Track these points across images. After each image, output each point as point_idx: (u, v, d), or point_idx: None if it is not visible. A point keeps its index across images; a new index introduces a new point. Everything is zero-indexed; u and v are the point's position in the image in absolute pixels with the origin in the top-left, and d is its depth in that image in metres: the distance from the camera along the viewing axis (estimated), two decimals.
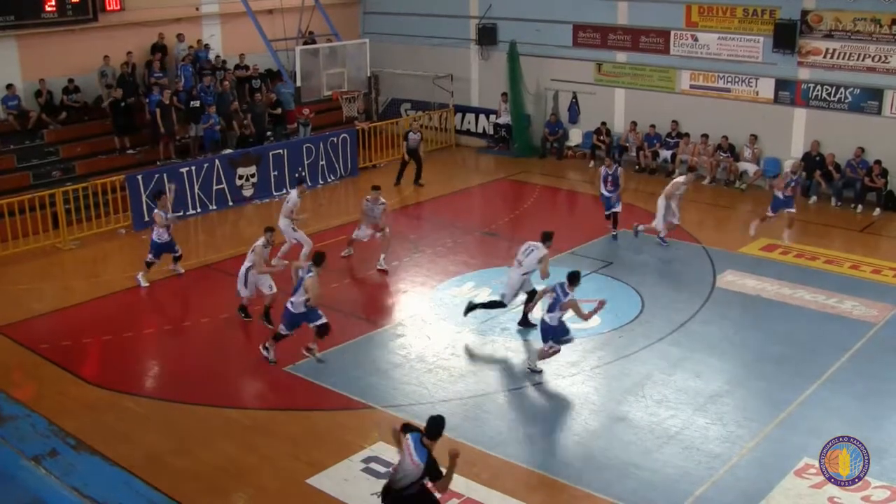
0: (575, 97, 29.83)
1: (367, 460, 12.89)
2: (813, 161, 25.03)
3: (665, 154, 27.72)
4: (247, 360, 16.04)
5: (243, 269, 17.01)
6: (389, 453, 12.94)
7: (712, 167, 26.79)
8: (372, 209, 20.06)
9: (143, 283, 19.06)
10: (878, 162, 24.04)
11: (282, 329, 15.53)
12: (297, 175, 23.90)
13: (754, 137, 26.23)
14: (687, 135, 27.38)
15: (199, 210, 23.84)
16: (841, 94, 24.92)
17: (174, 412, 14.37)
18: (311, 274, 14.95)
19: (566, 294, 14.95)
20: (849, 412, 14.13)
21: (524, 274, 16.69)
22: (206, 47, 29.07)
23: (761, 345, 16.47)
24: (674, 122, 27.65)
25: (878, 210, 24.00)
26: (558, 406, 14.69)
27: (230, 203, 24.57)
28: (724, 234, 22.41)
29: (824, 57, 25.08)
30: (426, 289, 18.97)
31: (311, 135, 28.09)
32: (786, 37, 25.32)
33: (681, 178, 21.56)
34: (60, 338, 16.83)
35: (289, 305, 15.33)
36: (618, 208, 21.71)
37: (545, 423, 14.04)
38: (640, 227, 21.47)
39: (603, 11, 28.68)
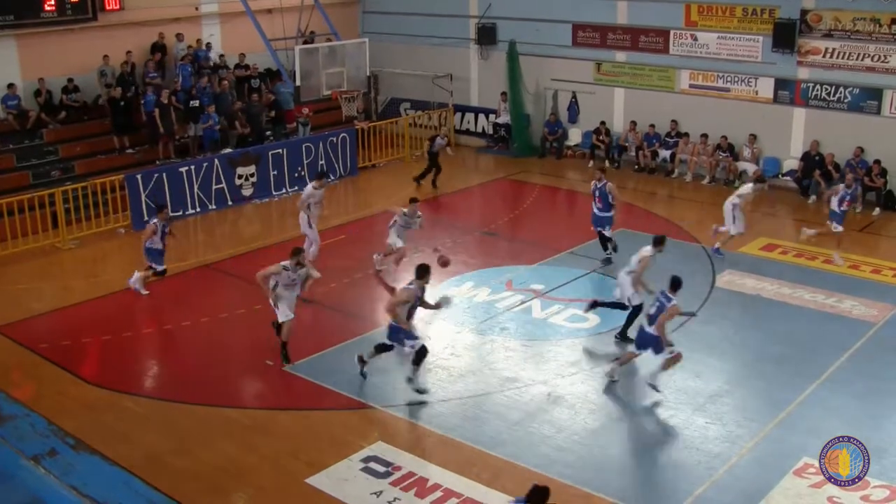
0: (574, 97, 29.84)
1: (366, 460, 12.89)
2: (812, 161, 25.05)
3: (664, 154, 27.73)
4: (246, 359, 16.05)
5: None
6: (389, 453, 12.99)
7: (712, 167, 26.79)
8: (410, 223, 19.40)
9: (143, 291, 18.78)
10: (877, 161, 24.05)
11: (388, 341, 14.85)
12: (318, 170, 23.70)
13: (753, 137, 26.22)
14: (686, 134, 27.38)
15: (198, 210, 23.83)
16: (840, 93, 24.93)
17: (174, 412, 14.37)
18: (412, 286, 14.48)
19: (669, 300, 14.27)
20: (848, 412, 14.13)
21: (629, 272, 16.33)
22: (208, 46, 29.07)
23: (761, 344, 16.47)
24: (673, 121, 27.66)
25: (877, 210, 24.01)
26: (557, 406, 14.62)
27: (229, 203, 24.57)
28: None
29: (824, 56, 25.09)
30: (427, 287, 18.91)
31: (310, 134, 28.09)
32: (785, 36, 25.32)
33: (748, 186, 20.98)
34: (60, 337, 16.83)
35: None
36: (606, 231, 20.11)
37: (544, 422, 14.02)
38: (718, 246, 20.64)
39: (602, 11, 28.68)
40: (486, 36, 30.80)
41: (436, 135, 26.85)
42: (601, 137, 28.76)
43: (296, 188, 25.72)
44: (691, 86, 27.44)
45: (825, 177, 24.76)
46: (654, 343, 14.41)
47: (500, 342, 16.65)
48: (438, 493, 12.09)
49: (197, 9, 29.10)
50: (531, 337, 16.82)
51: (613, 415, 14.22)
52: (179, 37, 28.26)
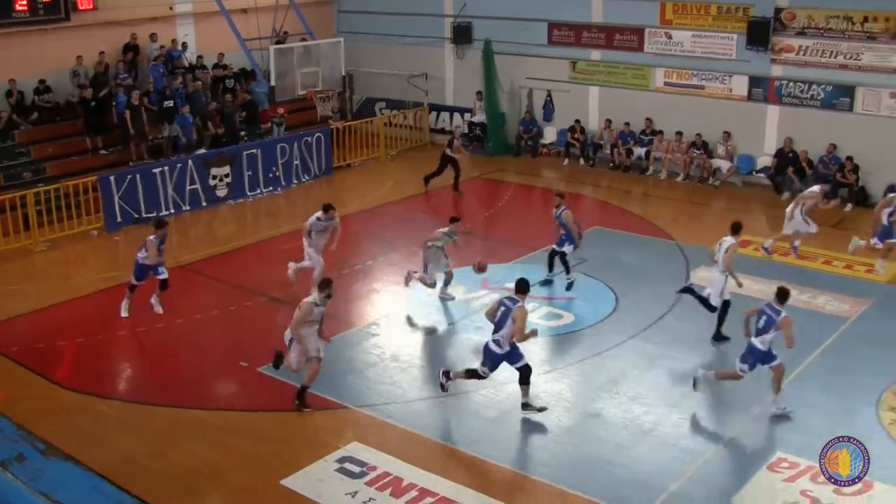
0: (549, 95, 29.87)
1: (341, 460, 12.85)
2: (786, 158, 25.17)
3: (639, 151, 27.81)
4: (221, 361, 15.98)
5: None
6: (364, 453, 12.96)
7: (686, 164, 26.90)
8: (450, 239, 18.46)
9: (123, 313, 17.87)
10: (849, 158, 24.19)
11: (483, 371, 14.14)
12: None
13: (728, 134, 26.33)
14: (661, 132, 27.47)
15: (172, 211, 23.67)
16: (813, 91, 25.06)
17: (148, 415, 14.29)
18: (520, 304, 13.64)
19: (778, 312, 13.70)
20: (821, 406, 14.21)
21: (722, 272, 16.36)
22: (184, 46, 28.94)
23: (735, 340, 16.47)
24: (648, 119, 27.74)
25: (849, 206, 24.15)
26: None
27: (204, 203, 24.45)
28: (698, 230, 22.40)
29: (797, 54, 25.21)
30: (401, 287, 18.90)
31: (285, 134, 28.00)
32: (759, 34, 25.44)
33: (815, 189, 20.77)
34: (33, 340, 16.69)
35: (492, 345, 13.92)
36: (567, 249, 18.80)
37: (519, 421, 14.02)
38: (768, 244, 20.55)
39: (578, 9, 28.73)
40: (462, 35, 30.80)
41: (452, 137, 26.53)
42: (576, 136, 28.81)
43: (270, 188, 25.70)
44: (666, 84, 27.52)
45: (799, 174, 24.89)
46: (763, 357, 13.86)
47: (475, 341, 16.60)
48: (414, 493, 12.07)
49: (171, 8, 28.94)
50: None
51: (588, 412, 14.22)
52: (153, 37, 28.09)
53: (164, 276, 17.68)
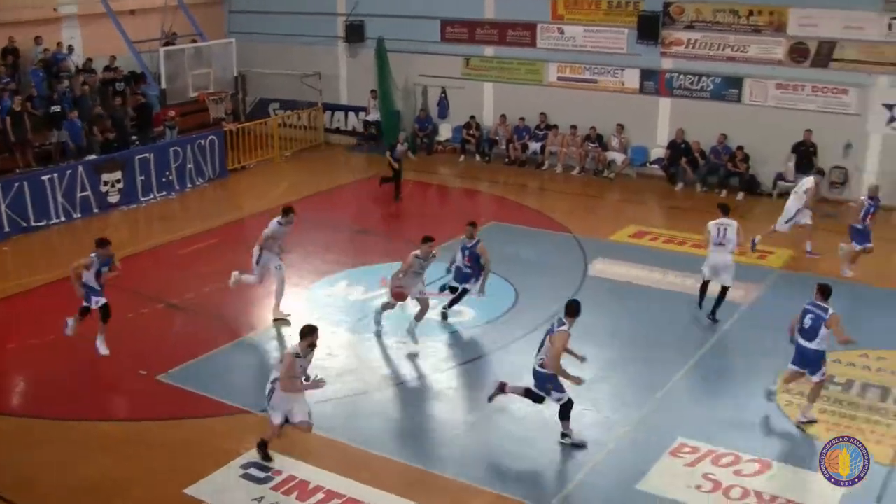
0: (444, 92, 29.93)
1: (245, 466, 12.65)
2: (678, 148, 25.64)
3: (535, 146, 28.03)
4: (118, 371, 15.57)
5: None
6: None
7: (581, 157, 27.19)
8: (424, 265, 16.50)
9: (68, 332, 16.06)
10: (740, 147, 24.77)
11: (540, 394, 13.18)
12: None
13: (621, 127, 26.72)
14: (556, 126, 27.71)
15: (62, 219, 23.00)
16: (703, 82, 25.63)
17: (46, 429, 13.83)
18: (563, 327, 12.77)
19: (826, 310, 13.11)
20: (719, 391, 14.52)
21: (731, 252, 16.66)
22: (70, 49, 28.20)
23: (633, 330, 16.76)
24: (542, 114, 27.97)
25: (741, 194, 24.70)
26: (436, 401, 14.66)
27: (95, 210, 23.82)
28: (594, 222, 22.73)
29: (686, 47, 25.73)
30: (300, 289, 18.74)
31: (177, 137, 27.49)
32: (649, 28, 25.89)
33: (809, 179, 20.49)
34: None
35: (538, 367, 13.07)
36: (471, 286, 16.84)
37: (424, 418, 14.01)
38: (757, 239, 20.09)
39: (470, 6, 28.84)
40: (354, 33, 30.64)
41: (395, 143, 26.12)
42: (471, 132, 28.90)
43: (164, 193, 25.20)
44: (559, 78, 27.80)
45: (692, 164, 25.38)
46: (816, 362, 13.32)
47: (376, 340, 16.55)
48: (320, 495, 11.95)
49: (56, 10, 28.18)
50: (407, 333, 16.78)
51: (491, 407, 14.21)
52: (38, 40, 27.33)
53: (103, 301, 15.72)
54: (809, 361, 13.36)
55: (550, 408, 13.89)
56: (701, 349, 15.72)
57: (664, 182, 26.00)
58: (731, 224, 16.88)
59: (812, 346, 13.21)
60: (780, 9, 24.35)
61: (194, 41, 26.62)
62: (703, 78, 25.59)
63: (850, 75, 23.89)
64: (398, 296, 16.11)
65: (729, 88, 25.28)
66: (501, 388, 13.42)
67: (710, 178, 25.33)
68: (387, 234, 22.58)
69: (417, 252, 16.02)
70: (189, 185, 26.14)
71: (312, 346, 12.32)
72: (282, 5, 31.74)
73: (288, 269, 19.65)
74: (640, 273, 19.16)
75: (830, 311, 12.97)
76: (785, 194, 23.38)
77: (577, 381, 12.87)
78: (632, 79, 26.69)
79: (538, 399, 13.13)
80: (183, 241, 21.04)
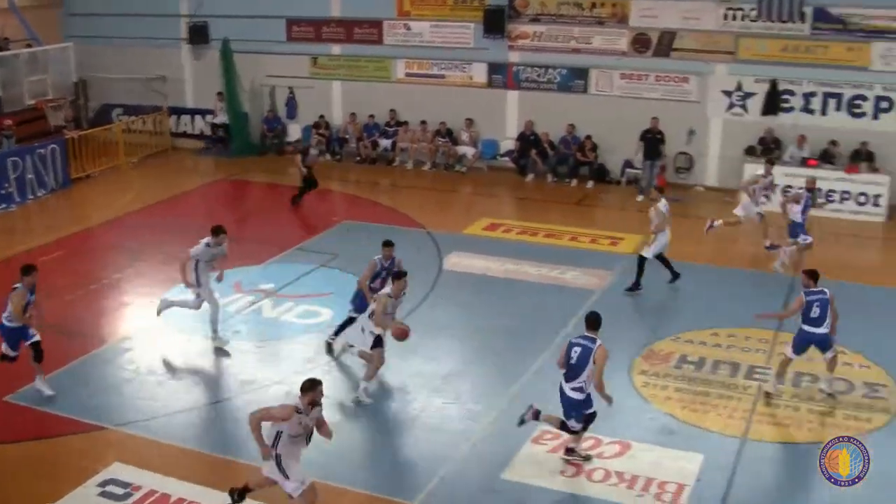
0: (292, 92, 29.63)
1: (103, 483, 12.15)
2: (528, 140, 25.94)
3: (385, 143, 28.00)
4: None
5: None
6: (127, 473, 12.31)
7: (432, 153, 27.26)
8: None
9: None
10: (588, 137, 25.24)
11: (573, 426, 12.35)
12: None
13: (470, 121, 26.89)
14: (406, 123, 27.73)
15: None
16: (550, 74, 26.03)
17: None
18: (600, 343, 12.03)
19: (824, 293, 13.56)
20: None
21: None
22: None
23: (491, 322, 16.82)
24: (392, 110, 27.95)
25: (591, 183, 25.18)
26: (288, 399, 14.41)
27: None
28: (448, 217, 22.79)
29: (532, 40, 26.09)
30: (152, 299, 18.21)
31: (15, 147, 26.40)
32: (495, 22, 26.13)
33: (760, 171, 20.36)
34: None
35: (571, 393, 12.22)
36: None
37: None
38: (717, 224, 19.63)
39: (316, 5, 28.65)
40: (198, 35, 30.02)
41: (307, 147, 25.50)
42: (321, 131, 28.67)
43: (4, 206, 24.14)
44: (407, 74, 27.83)
45: (541, 155, 25.72)
46: (827, 343, 13.69)
47: (233, 345, 16.19)
48: None
49: None
50: (265, 337, 16.51)
51: (353, 406, 14.10)
52: None
53: (36, 338, 14.21)
54: (822, 344, 13.66)
55: (414, 403, 13.90)
56: (558, 336, 15.85)
57: (515, 174, 26.30)
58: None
59: (821, 330, 13.53)
60: (621, 1, 24.92)
61: (29, 46, 25.64)
62: (550, 70, 25.98)
63: (690, 64, 24.64)
64: (402, 333, 14.05)
65: (575, 79, 25.71)
66: (536, 416, 12.62)
67: (560, 168, 25.73)
68: (240, 237, 22.10)
69: (388, 291, 14.17)
70: (31, 197, 25.07)
71: (313, 403, 10.68)
72: (122, 7, 30.81)
73: (139, 279, 19.26)
74: (495, 265, 19.27)
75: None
76: (633, 182, 23.99)
77: (608, 399, 12.23)
78: (480, 73, 26.90)
79: (571, 430, 12.40)
80: (26, 254, 20.21)
